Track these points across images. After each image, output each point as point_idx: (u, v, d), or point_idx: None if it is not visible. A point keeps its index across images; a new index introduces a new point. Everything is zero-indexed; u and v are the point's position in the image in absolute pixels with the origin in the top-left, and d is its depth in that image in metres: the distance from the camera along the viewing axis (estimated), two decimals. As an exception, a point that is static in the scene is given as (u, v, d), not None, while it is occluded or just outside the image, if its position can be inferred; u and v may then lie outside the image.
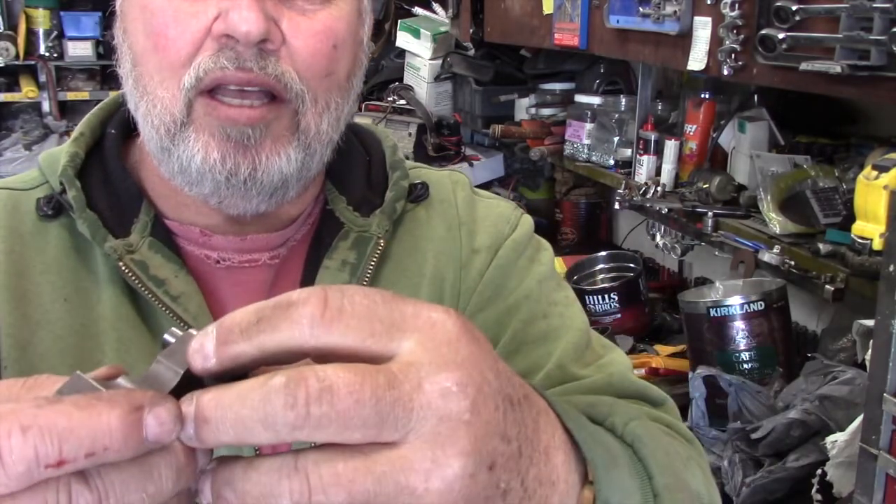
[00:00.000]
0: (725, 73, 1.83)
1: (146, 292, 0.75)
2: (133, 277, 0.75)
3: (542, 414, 0.48)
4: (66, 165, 0.79)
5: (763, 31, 1.69)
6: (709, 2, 1.88)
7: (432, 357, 0.40)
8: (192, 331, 0.41)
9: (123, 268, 0.75)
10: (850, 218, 1.68)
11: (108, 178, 0.81)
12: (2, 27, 4.67)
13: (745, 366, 2.00)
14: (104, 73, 4.98)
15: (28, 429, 0.34)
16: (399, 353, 0.40)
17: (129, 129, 0.83)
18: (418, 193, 0.89)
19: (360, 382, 0.37)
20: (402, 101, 3.54)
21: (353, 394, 0.37)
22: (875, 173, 1.56)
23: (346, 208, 0.84)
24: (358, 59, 0.79)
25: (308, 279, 0.81)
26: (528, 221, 0.93)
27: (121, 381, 0.39)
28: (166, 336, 0.41)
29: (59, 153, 0.82)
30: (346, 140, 0.84)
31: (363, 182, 0.88)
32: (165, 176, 0.76)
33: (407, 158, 0.93)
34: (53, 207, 0.79)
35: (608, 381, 0.83)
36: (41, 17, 4.78)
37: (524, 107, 3.23)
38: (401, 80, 3.68)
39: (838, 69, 1.51)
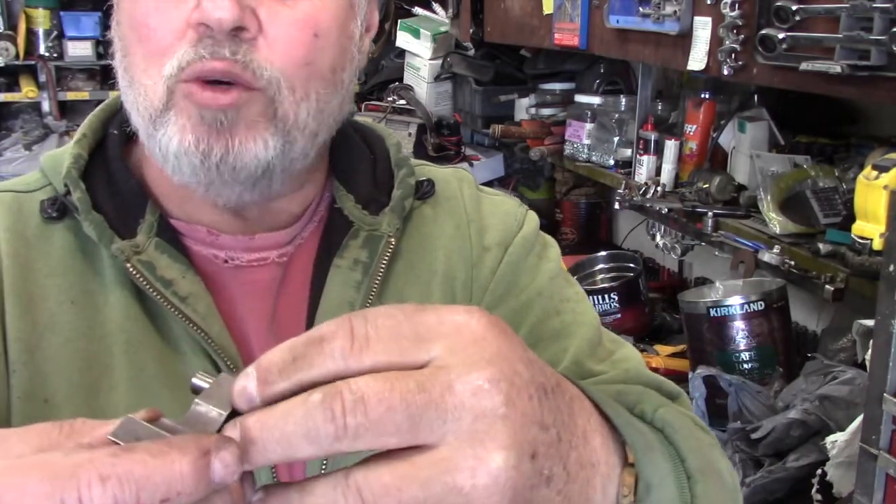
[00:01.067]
0: (725, 73, 1.83)
1: (154, 293, 0.75)
2: (141, 279, 0.75)
3: (576, 399, 0.49)
4: (70, 167, 0.78)
5: (763, 31, 1.69)
6: (709, 2, 1.88)
7: (461, 358, 0.41)
8: (224, 375, 0.42)
9: (131, 269, 0.75)
10: (850, 218, 1.68)
11: (111, 178, 0.81)
12: (2, 27, 4.67)
13: (745, 366, 2.00)
14: (104, 73, 4.97)
15: (107, 478, 0.36)
16: (429, 361, 0.41)
17: (130, 129, 0.83)
18: (425, 190, 0.89)
19: (389, 390, 0.39)
20: (402, 101, 3.54)
21: (384, 401, 0.39)
22: (875, 173, 1.56)
23: (355, 206, 0.84)
24: (347, 53, 0.78)
25: (318, 278, 0.81)
26: (533, 218, 0.94)
27: (166, 421, 0.40)
28: (195, 381, 0.42)
29: (61, 155, 0.81)
30: (350, 138, 0.84)
31: (369, 180, 0.87)
32: (158, 166, 0.76)
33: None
34: (58, 209, 0.78)
35: (624, 376, 0.84)
36: (41, 17, 4.78)
37: (524, 107, 3.23)
38: (401, 80, 3.68)
39: (838, 69, 1.51)
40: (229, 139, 0.71)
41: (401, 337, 0.41)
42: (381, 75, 3.83)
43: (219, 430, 0.40)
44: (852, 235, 1.66)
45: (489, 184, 3.48)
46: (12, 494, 0.35)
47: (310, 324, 0.80)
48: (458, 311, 0.43)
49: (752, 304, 1.98)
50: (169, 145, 0.72)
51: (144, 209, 0.79)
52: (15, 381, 0.73)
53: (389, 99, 3.57)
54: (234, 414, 0.41)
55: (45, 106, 4.83)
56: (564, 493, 0.45)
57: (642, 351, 2.34)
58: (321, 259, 0.82)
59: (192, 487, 0.37)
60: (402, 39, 3.63)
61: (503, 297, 0.87)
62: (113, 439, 0.38)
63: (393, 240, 0.83)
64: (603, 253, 2.78)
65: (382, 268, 0.81)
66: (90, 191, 0.78)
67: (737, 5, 1.78)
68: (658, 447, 0.59)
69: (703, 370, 1.92)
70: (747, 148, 2.20)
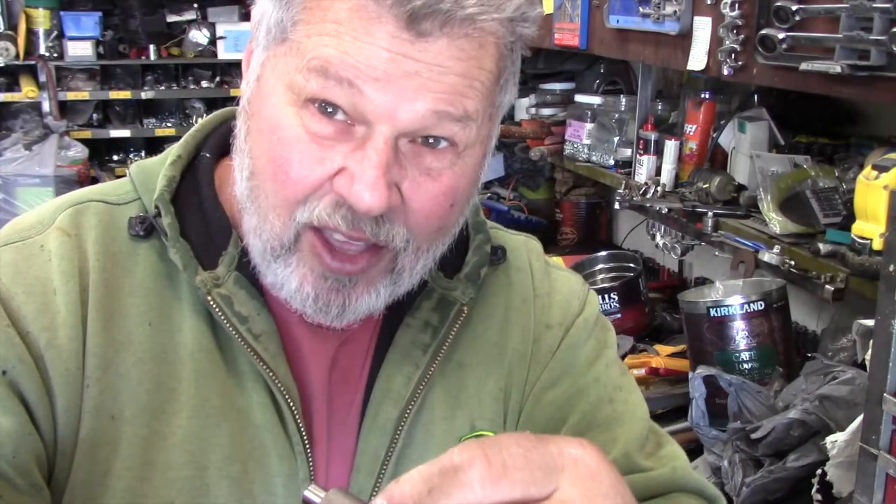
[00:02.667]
0: (725, 73, 1.83)
1: (230, 328, 0.76)
2: (219, 312, 0.76)
3: None
4: (164, 190, 0.78)
5: (763, 31, 1.69)
6: (709, 2, 1.88)
7: (581, 492, 0.44)
8: (334, 492, 0.43)
9: (211, 302, 0.76)
10: (850, 218, 1.68)
11: (201, 205, 0.81)
12: (2, 27, 4.67)
13: (745, 366, 2.00)
14: (104, 73, 4.98)
15: None
16: (553, 492, 0.44)
17: (223, 151, 0.83)
18: (497, 257, 0.89)
19: None
20: (402, 101, 3.53)
21: None
22: (875, 173, 1.56)
23: (432, 267, 0.82)
24: (470, 199, 0.78)
25: (386, 332, 0.82)
26: (594, 300, 0.96)
27: None
28: (307, 494, 0.43)
29: (153, 170, 0.81)
30: None
31: None
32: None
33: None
34: (145, 229, 0.78)
35: (672, 475, 0.86)
36: (41, 17, 4.78)
37: (524, 107, 3.23)
38: (401, 80, 3.67)
39: (838, 69, 1.51)
40: (347, 297, 0.73)
41: (533, 466, 0.43)
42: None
43: None
44: (852, 235, 1.66)
45: (489, 184, 3.48)
46: None
47: (373, 375, 0.82)
48: (573, 444, 0.46)
49: (752, 304, 1.98)
50: (286, 283, 0.74)
51: (228, 241, 0.79)
52: (87, 395, 0.74)
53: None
54: None
55: (45, 106, 4.83)
56: None
57: (642, 351, 2.34)
58: (390, 316, 0.83)
59: None
60: (402, 39, 3.62)
61: (560, 378, 0.89)
62: None
63: (466, 309, 0.83)
64: (603, 253, 2.77)
65: (452, 335, 0.83)
66: (179, 215, 0.78)
67: (737, 5, 1.78)
68: None
69: (703, 370, 1.92)
70: (747, 148, 2.20)
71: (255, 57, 0.74)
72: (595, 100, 2.81)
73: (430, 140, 0.70)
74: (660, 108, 2.60)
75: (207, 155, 0.83)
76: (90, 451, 0.73)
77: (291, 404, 0.77)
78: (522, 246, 0.94)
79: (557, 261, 1.00)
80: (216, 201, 0.81)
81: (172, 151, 0.83)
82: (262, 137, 0.72)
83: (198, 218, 0.80)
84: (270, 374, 0.76)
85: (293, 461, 0.77)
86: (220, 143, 0.84)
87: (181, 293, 0.78)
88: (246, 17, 4.88)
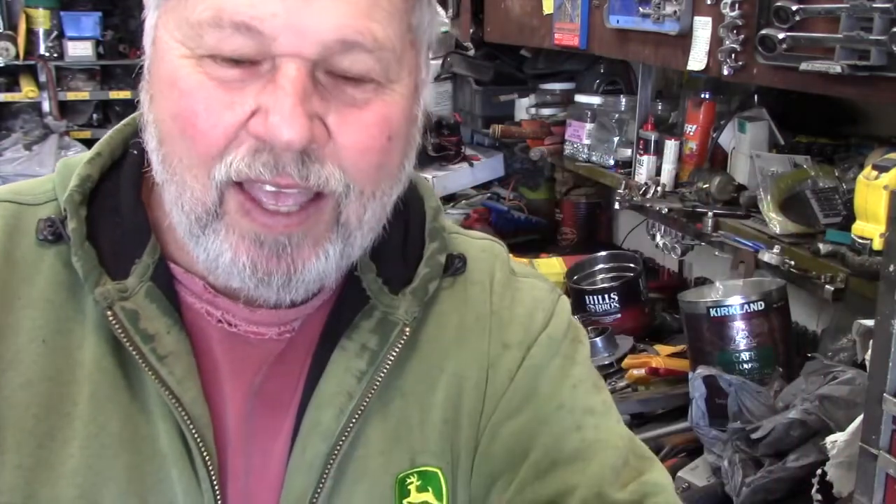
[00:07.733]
0: (725, 73, 1.83)
1: (132, 348, 0.68)
2: (120, 330, 0.68)
3: None
4: (74, 190, 0.71)
5: (763, 31, 1.69)
6: (709, 2, 1.88)
7: None
8: None
9: (111, 318, 0.68)
10: (850, 218, 1.68)
11: (118, 207, 0.73)
12: (2, 27, 4.67)
13: (745, 366, 2.00)
14: (104, 73, 4.98)
15: None
16: None
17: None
18: (455, 268, 0.80)
19: None
20: (402, 101, 3.53)
21: None
22: (875, 173, 1.56)
23: (375, 280, 0.76)
24: (413, 140, 0.72)
25: (322, 356, 0.74)
26: (564, 309, 0.85)
27: None
28: None
29: (76, 167, 0.74)
30: None
31: (398, 249, 0.79)
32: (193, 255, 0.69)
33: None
34: (54, 233, 0.71)
35: None
36: (41, 17, 4.79)
37: (524, 107, 3.23)
38: (401, 80, 3.67)
39: (838, 69, 1.51)
40: (291, 263, 0.65)
41: None
42: (381, 75, 3.82)
43: None
44: (852, 235, 1.66)
45: (489, 184, 3.48)
46: None
47: (304, 404, 0.73)
48: None
49: (752, 304, 1.98)
50: (219, 258, 0.66)
51: (144, 248, 0.71)
52: None
53: (389, 99, 3.57)
54: None
55: (45, 106, 4.84)
56: None
57: (642, 351, 2.34)
58: (328, 335, 0.75)
59: None
60: (402, 39, 3.62)
61: (520, 407, 0.79)
62: None
63: (408, 330, 0.74)
64: (603, 253, 2.77)
65: (391, 359, 0.74)
66: (92, 217, 0.72)
67: (737, 5, 1.78)
68: None
69: (703, 370, 1.92)
70: (747, 148, 2.20)
71: (148, 21, 0.68)
72: (595, 100, 2.81)
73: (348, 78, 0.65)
74: (660, 108, 2.60)
75: (135, 151, 0.75)
76: None
77: (196, 435, 0.68)
78: (485, 253, 0.84)
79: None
80: (136, 202, 0.73)
81: (94, 148, 0.75)
82: (163, 98, 0.65)
83: (113, 222, 0.72)
84: (173, 400, 0.68)
85: (199, 498, 0.69)
86: None
87: (85, 307, 0.70)
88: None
